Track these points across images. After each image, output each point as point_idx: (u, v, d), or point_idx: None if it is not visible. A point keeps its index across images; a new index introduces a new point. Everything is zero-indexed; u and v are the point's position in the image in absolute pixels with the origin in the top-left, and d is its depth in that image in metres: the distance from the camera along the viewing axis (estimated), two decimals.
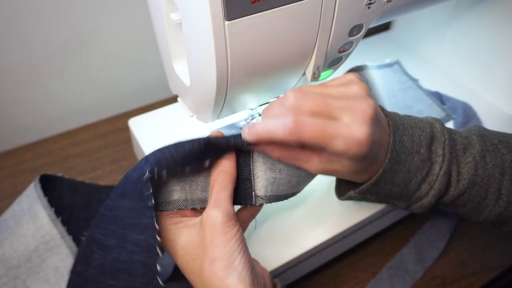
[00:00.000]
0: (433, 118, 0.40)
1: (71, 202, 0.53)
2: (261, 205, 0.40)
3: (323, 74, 0.43)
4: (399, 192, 0.39)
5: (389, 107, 0.61)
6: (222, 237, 0.32)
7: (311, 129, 0.33)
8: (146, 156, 0.34)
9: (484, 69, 0.63)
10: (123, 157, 0.64)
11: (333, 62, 0.43)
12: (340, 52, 0.42)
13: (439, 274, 0.52)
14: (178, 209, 0.37)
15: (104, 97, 0.70)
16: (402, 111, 0.61)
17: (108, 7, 0.61)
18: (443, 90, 0.65)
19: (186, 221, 0.36)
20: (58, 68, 0.63)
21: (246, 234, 0.37)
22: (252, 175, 0.38)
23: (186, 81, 0.41)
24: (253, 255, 0.35)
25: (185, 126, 0.57)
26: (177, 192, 0.37)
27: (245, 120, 0.54)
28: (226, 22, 0.32)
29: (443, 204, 0.40)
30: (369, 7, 0.39)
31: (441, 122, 0.40)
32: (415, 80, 0.66)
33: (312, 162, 0.37)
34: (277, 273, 0.44)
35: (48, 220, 0.48)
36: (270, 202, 0.39)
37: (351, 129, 0.33)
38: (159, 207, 0.37)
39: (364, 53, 0.70)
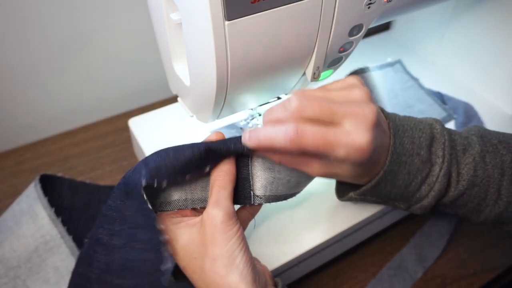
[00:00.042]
0: (433, 119, 0.40)
1: (71, 202, 0.53)
2: (260, 205, 0.40)
3: (323, 74, 0.43)
4: (399, 194, 0.39)
5: (390, 107, 0.61)
6: (223, 235, 0.32)
7: (312, 138, 0.33)
8: (147, 161, 0.34)
9: (484, 69, 0.63)
10: (123, 157, 0.64)
11: (333, 62, 0.43)
12: (340, 52, 0.42)
13: (439, 274, 0.52)
14: (178, 209, 0.37)
15: (104, 97, 0.70)
16: (403, 111, 0.61)
17: (108, 7, 0.61)
18: (443, 90, 0.65)
19: (187, 220, 0.36)
20: (58, 68, 0.63)
21: (245, 233, 0.37)
22: (250, 174, 0.38)
23: (186, 81, 0.41)
24: (253, 255, 0.35)
25: (185, 126, 0.57)
26: (177, 192, 0.37)
27: (245, 120, 0.54)
28: (226, 22, 0.32)
29: (443, 205, 0.40)
30: (369, 7, 0.39)
31: (441, 123, 0.40)
32: (415, 79, 0.67)
33: (312, 166, 0.37)
34: (277, 273, 0.44)
35: (48, 220, 0.48)
36: (269, 202, 0.39)
37: (353, 136, 0.33)
38: (159, 207, 0.37)
39: (364, 53, 0.70)
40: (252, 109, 0.51)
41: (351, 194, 0.41)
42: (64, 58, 0.62)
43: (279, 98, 0.49)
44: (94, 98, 0.69)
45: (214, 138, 0.38)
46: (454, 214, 0.51)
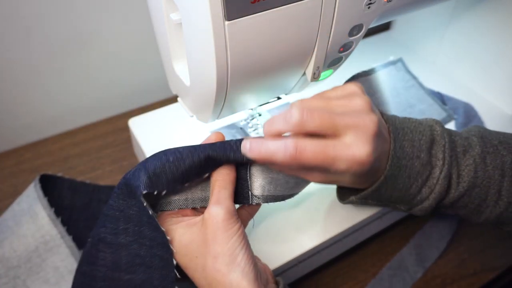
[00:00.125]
0: (433, 120, 0.40)
1: (71, 202, 0.53)
2: (258, 205, 0.40)
3: (323, 74, 0.43)
4: (400, 197, 0.39)
5: (393, 107, 0.61)
6: (224, 233, 0.33)
7: (312, 154, 0.33)
8: (146, 167, 0.34)
9: (484, 69, 0.63)
10: (123, 157, 0.64)
11: (333, 62, 0.43)
12: (340, 52, 0.42)
13: (439, 274, 0.52)
14: (179, 209, 0.37)
15: (104, 97, 0.70)
16: (404, 111, 0.61)
17: (108, 7, 0.61)
18: (443, 90, 0.65)
19: (187, 220, 0.36)
20: (58, 68, 0.63)
21: None
22: (249, 174, 0.38)
23: (186, 81, 0.41)
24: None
25: (185, 126, 0.57)
26: (178, 191, 0.37)
27: (245, 120, 0.54)
28: (226, 22, 0.32)
29: (444, 206, 0.40)
30: (369, 7, 0.39)
31: (441, 124, 0.40)
32: (416, 78, 0.66)
33: (313, 175, 0.37)
34: (277, 273, 0.44)
35: (48, 220, 0.48)
36: (267, 202, 0.39)
37: (353, 149, 0.34)
38: (160, 207, 0.37)
39: (364, 53, 0.70)
40: (252, 109, 0.51)
41: (352, 198, 0.41)
42: (64, 58, 0.62)
43: (279, 98, 0.49)
44: (94, 98, 0.69)
45: (214, 138, 0.38)
46: (454, 215, 0.51)
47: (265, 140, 0.35)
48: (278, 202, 0.39)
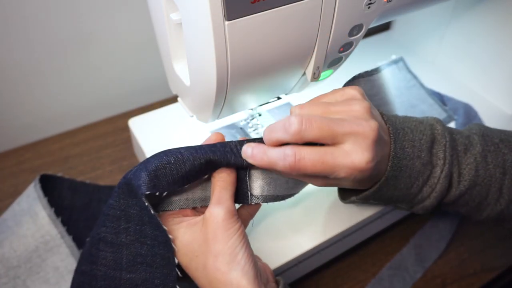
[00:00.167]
0: (434, 119, 0.40)
1: (71, 202, 0.53)
2: (258, 205, 0.40)
3: (323, 74, 0.43)
4: (401, 196, 0.39)
5: (396, 107, 0.61)
6: (225, 233, 0.33)
7: (311, 163, 0.33)
8: (147, 167, 0.34)
9: (484, 69, 0.63)
10: (123, 157, 0.64)
11: (333, 62, 0.43)
12: (340, 52, 0.42)
13: (439, 274, 0.52)
14: (180, 209, 0.38)
15: (104, 97, 0.70)
16: (406, 110, 0.61)
17: (108, 7, 0.61)
18: (443, 90, 0.65)
19: (188, 220, 0.36)
20: (58, 68, 0.63)
21: None
22: (248, 175, 0.38)
23: (186, 81, 0.41)
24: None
25: (185, 126, 0.57)
26: (178, 192, 0.37)
27: (245, 120, 0.54)
28: (226, 22, 0.32)
29: (445, 204, 0.40)
30: (369, 7, 0.39)
31: (442, 123, 0.40)
32: (416, 78, 0.66)
33: (314, 180, 0.37)
34: (277, 272, 0.44)
35: (48, 220, 0.48)
36: (266, 202, 0.39)
37: (352, 157, 0.34)
38: (161, 207, 0.37)
39: (364, 53, 0.70)
40: (252, 109, 0.51)
41: (353, 198, 0.41)
42: (64, 58, 0.62)
43: (279, 98, 0.49)
44: (94, 98, 0.69)
45: (214, 139, 0.38)
46: (455, 216, 0.51)
47: (265, 147, 0.35)
48: (278, 202, 0.39)
